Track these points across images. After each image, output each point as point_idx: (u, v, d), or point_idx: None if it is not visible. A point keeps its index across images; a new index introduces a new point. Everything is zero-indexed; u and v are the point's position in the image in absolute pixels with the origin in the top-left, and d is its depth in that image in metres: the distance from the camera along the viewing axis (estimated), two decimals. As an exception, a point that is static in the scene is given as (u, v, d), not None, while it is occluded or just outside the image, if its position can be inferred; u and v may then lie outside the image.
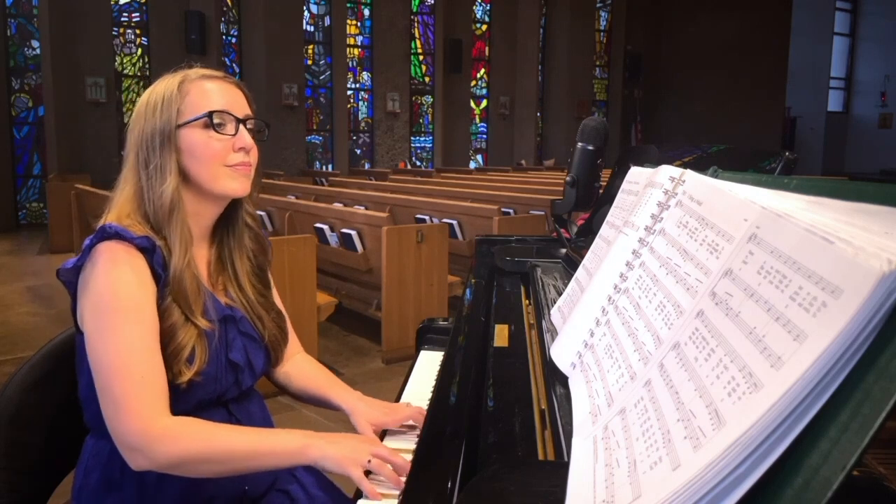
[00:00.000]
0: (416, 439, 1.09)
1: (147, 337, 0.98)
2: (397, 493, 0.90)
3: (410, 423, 1.14)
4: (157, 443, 0.93)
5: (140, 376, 0.95)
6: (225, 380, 1.08)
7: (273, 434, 1.01)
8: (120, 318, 0.96)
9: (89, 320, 0.99)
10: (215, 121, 1.06)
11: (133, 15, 10.07)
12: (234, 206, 1.15)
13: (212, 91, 1.08)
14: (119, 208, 1.06)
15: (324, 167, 12.33)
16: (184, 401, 1.02)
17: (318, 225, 4.48)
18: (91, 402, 1.05)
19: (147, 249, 1.01)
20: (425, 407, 1.14)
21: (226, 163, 1.07)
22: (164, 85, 1.08)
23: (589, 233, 1.56)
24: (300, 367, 1.29)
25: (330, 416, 1.25)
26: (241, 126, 1.08)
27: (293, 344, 1.28)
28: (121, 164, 1.12)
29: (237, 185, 1.08)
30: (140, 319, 0.98)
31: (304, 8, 11.84)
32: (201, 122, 1.05)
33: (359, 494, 0.92)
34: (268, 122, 1.18)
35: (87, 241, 1.01)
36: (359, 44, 12.76)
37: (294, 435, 0.98)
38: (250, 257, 1.19)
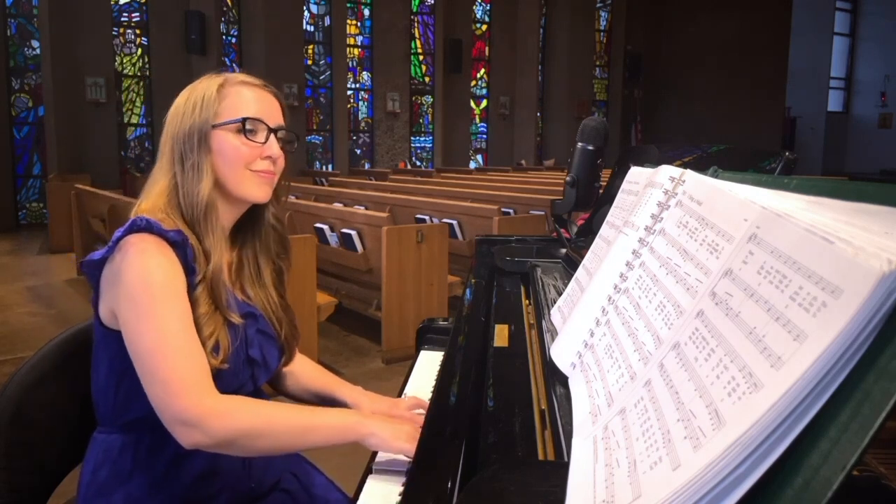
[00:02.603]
0: None
1: (185, 318, 0.99)
2: (401, 479, 0.95)
3: (419, 410, 1.16)
4: (212, 417, 0.94)
5: (185, 355, 0.96)
6: (242, 375, 1.10)
7: (324, 411, 1.04)
8: (157, 302, 0.97)
9: (125, 309, 0.99)
10: (248, 127, 1.08)
11: (133, 15, 10.07)
12: (258, 209, 1.17)
13: (249, 97, 1.10)
14: (153, 201, 1.07)
15: (324, 167, 12.33)
16: None
17: (318, 225, 4.48)
18: (107, 395, 1.06)
19: (178, 243, 1.01)
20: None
21: (251, 167, 1.09)
22: (205, 85, 1.10)
23: (589, 233, 1.56)
24: (300, 367, 1.30)
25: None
26: (273, 136, 1.11)
27: None
28: (153, 158, 1.14)
29: (259, 191, 1.11)
30: (177, 301, 0.99)
31: (304, 8, 11.85)
32: (235, 127, 1.08)
33: (359, 493, 0.94)
34: (297, 134, 1.21)
35: (117, 233, 1.01)
36: (359, 44, 12.77)
37: (345, 412, 1.03)
38: (274, 260, 1.21)
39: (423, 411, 1.16)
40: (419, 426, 1.01)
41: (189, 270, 1.02)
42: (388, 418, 1.04)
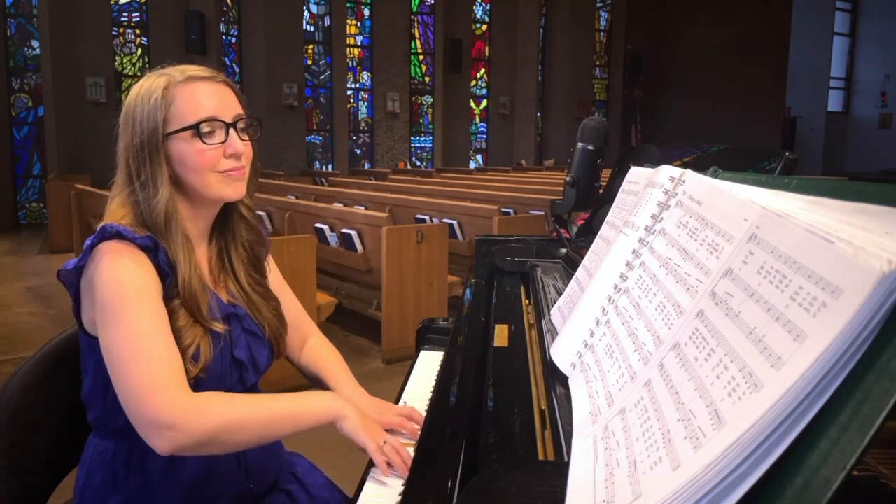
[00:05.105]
0: (414, 437, 1.10)
1: (158, 319, 0.97)
2: (401, 479, 0.95)
3: (403, 432, 1.14)
4: (190, 415, 0.92)
5: (158, 356, 0.94)
6: (230, 377, 1.09)
7: (300, 396, 1.03)
8: (129, 306, 0.95)
9: (99, 316, 0.98)
10: (204, 130, 1.03)
11: (133, 15, 10.07)
12: (228, 203, 1.14)
13: (199, 96, 1.05)
14: (112, 215, 1.04)
15: (324, 167, 12.33)
16: None
17: (318, 225, 4.48)
18: (95, 402, 1.06)
19: (150, 248, 1.00)
20: (425, 407, 1.15)
21: (217, 169, 1.05)
22: (149, 89, 1.05)
23: (589, 233, 1.56)
24: (318, 354, 1.31)
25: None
26: (232, 130, 1.06)
27: (309, 326, 1.32)
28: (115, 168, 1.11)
29: (231, 190, 1.07)
30: (148, 303, 0.97)
31: (304, 8, 11.84)
32: (189, 133, 1.03)
33: (359, 493, 0.94)
34: (259, 118, 1.14)
35: (87, 242, 1.00)
36: (359, 44, 12.76)
37: (324, 395, 1.04)
38: (245, 246, 1.18)
39: (403, 430, 1.13)
40: (391, 435, 1.04)
41: (164, 274, 1.01)
42: (366, 415, 1.05)
